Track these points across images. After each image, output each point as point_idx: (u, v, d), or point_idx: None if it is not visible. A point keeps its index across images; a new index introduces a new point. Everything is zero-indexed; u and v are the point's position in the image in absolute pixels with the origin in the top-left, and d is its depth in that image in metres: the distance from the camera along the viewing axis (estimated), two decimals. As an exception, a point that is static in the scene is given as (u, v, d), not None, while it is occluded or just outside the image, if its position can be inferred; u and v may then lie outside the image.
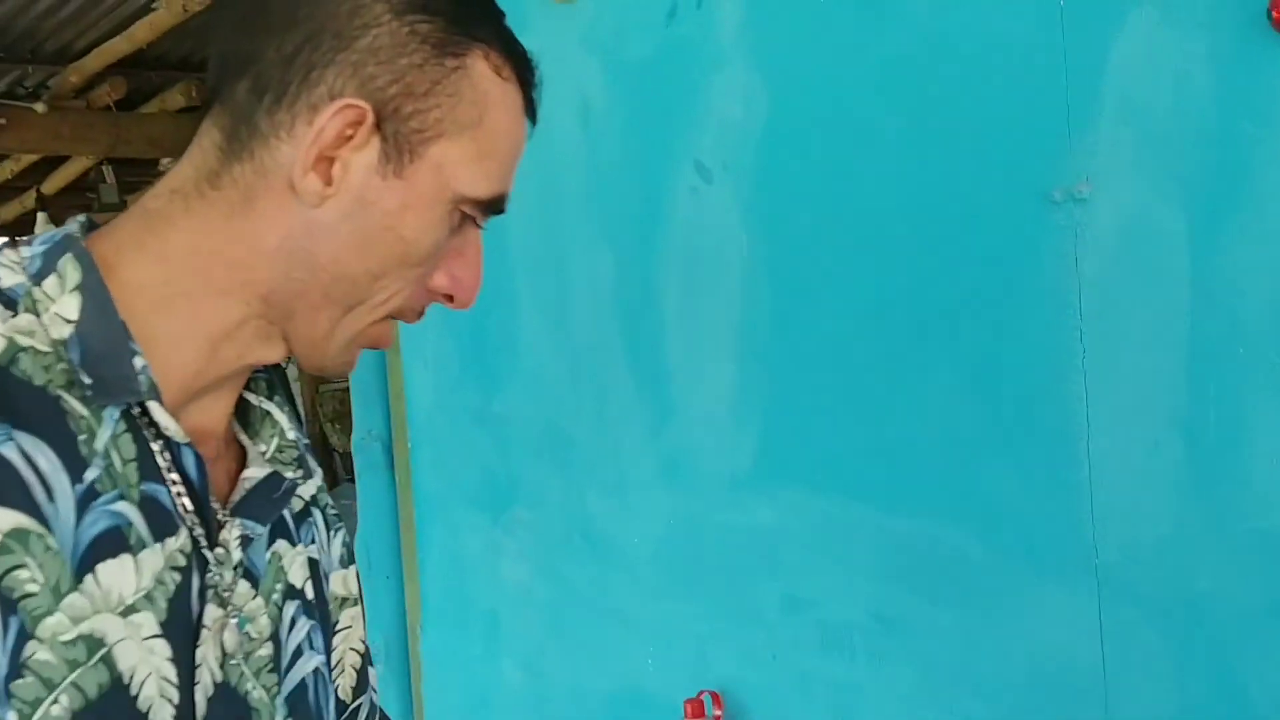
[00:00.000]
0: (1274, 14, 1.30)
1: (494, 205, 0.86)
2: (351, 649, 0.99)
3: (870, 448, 1.74)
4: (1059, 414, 1.54)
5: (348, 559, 1.01)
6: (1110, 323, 1.49)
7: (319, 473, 0.95)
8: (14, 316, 0.74)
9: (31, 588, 0.70)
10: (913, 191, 1.65)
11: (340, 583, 0.99)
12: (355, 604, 1.00)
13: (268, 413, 0.91)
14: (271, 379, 0.93)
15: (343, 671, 0.98)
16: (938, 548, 1.67)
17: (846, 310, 1.74)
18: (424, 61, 0.79)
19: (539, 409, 2.19)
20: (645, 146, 1.98)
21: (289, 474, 0.89)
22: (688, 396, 1.95)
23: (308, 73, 0.78)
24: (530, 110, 0.87)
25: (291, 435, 0.91)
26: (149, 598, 0.75)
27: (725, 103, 1.85)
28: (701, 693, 1.91)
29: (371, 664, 1.03)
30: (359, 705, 1.01)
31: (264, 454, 0.89)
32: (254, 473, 0.87)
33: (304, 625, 0.90)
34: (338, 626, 0.97)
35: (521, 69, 0.85)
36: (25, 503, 0.71)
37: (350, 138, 0.78)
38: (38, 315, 0.75)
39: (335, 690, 0.96)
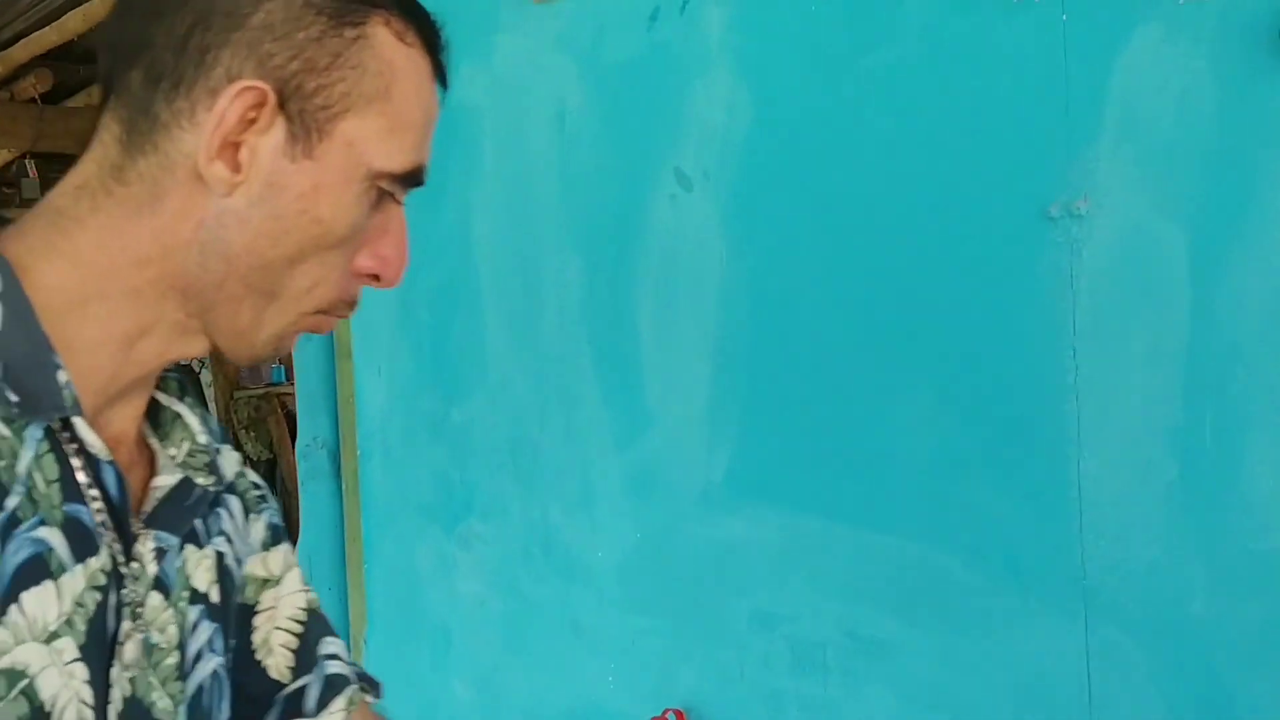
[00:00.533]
0: (1286, 33, 1.29)
1: (412, 178, 0.81)
2: (278, 628, 0.96)
3: (850, 462, 1.71)
4: (1049, 431, 1.52)
5: (272, 540, 0.97)
6: (1105, 340, 1.48)
7: (236, 455, 0.93)
8: None
9: None
10: (903, 203, 1.63)
11: (260, 564, 0.96)
12: (278, 584, 0.96)
13: (178, 415, 0.87)
14: (182, 380, 0.89)
15: (270, 652, 0.95)
16: (918, 565, 1.65)
17: (829, 323, 1.71)
18: (322, 34, 0.76)
19: (502, 419, 2.13)
20: (623, 152, 1.94)
21: (200, 480, 0.86)
22: (660, 408, 1.91)
23: (202, 55, 0.74)
24: (440, 75, 0.84)
25: (203, 439, 0.88)
26: (69, 622, 0.73)
27: (708, 109, 1.82)
28: (666, 711, 1.87)
29: (334, 635, 0.99)
30: (305, 684, 0.96)
31: (174, 458, 0.86)
32: (165, 480, 0.83)
33: (206, 629, 0.87)
34: (258, 609, 0.95)
35: (426, 32, 0.82)
36: None
37: (254, 120, 0.75)
38: None
39: (267, 671, 0.95)
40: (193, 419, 0.88)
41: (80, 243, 0.76)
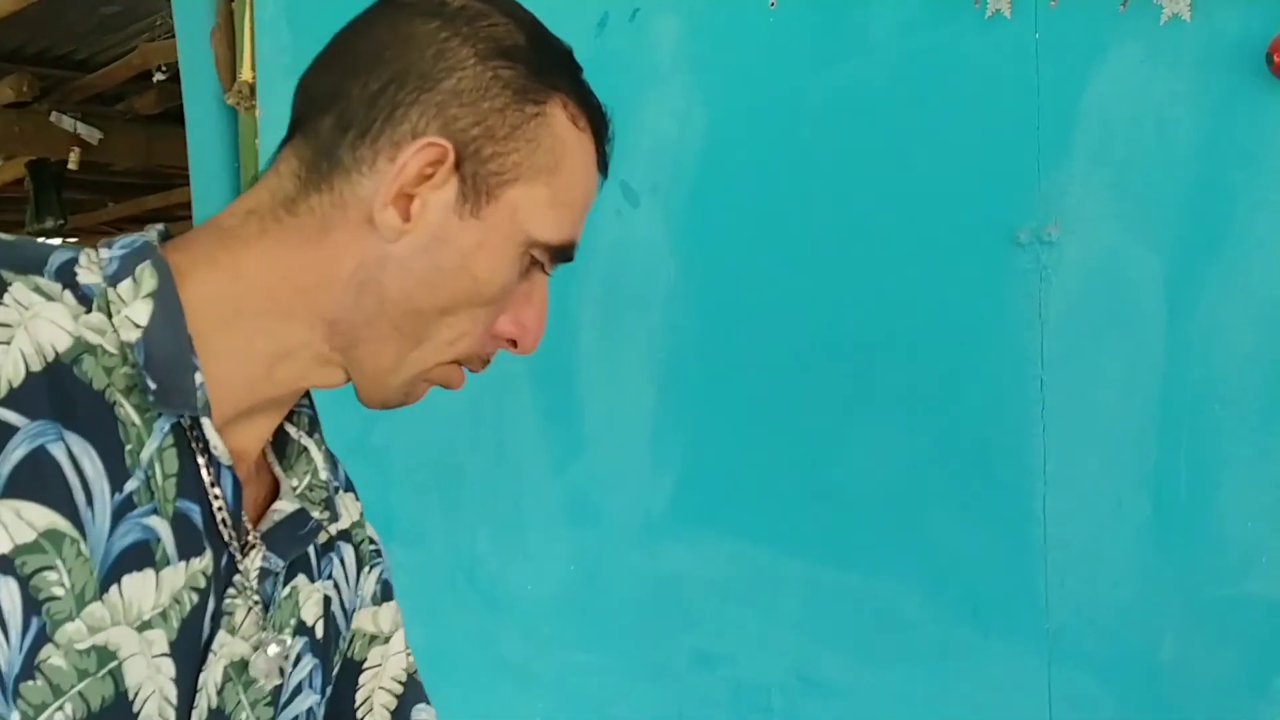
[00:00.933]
0: (1275, 58, 1.25)
1: (564, 252, 0.86)
2: (381, 688, 1.00)
3: (802, 492, 1.63)
4: (1014, 465, 1.46)
5: (383, 596, 1.02)
6: (1074, 371, 1.42)
7: (358, 505, 0.99)
8: (87, 314, 0.74)
9: (57, 591, 0.70)
10: (864, 225, 1.56)
11: (370, 619, 1.00)
12: (386, 642, 1.01)
13: (305, 449, 0.91)
14: (314, 415, 0.93)
15: (371, 710, 0.99)
16: (872, 603, 1.57)
17: (783, 347, 1.64)
18: (505, 106, 0.81)
19: (427, 441, 2.02)
20: (566, 162, 1.84)
21: (316, 514, 0.89)
22: (600, 430, 1.82)
23: (392, 111, 0.80)
24: (602, 163, 0.89)
25: (324, 475, 0.91)
26: (164, 615, 0.76)
27: (658, 120, 1.73)
28: (599, 753, 1.77)
29: (427, 702, 1.03)
30: None
31: (295, 488, 0.89)
32: (284, 506, 0.86)
33: (308, 663, 0.90)
34: (365, 665, 0.99)
35: (596, 121, 0.87)
36: (65, 504, 0.71)
37: (430, 176, 0.80)
38: (109, 316, 0.75)
39: None
40: (318, 455, 0.91)
41: (243, 259, 0.80)
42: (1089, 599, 1.42)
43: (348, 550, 0.97)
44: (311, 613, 0.90)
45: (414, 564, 2.03)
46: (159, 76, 3.53)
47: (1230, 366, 1.33)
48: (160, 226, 0.83)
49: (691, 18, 1.70)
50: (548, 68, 0.84)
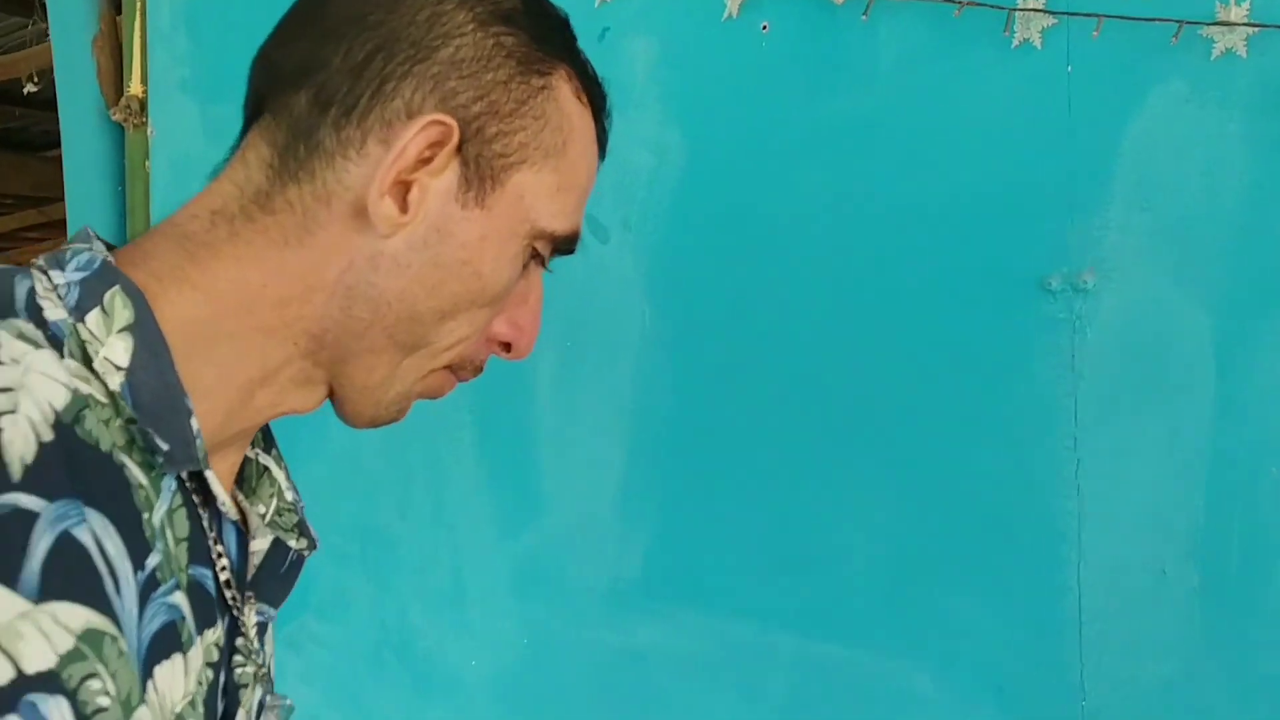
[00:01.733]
0: (1348, 98, 1.17)
1: (568, 242, 0.78)
2: None
3: (793, 562, 1.48)
4: (1044, 532, 1.34)
5: None
6: (1112, 431, 1.31)
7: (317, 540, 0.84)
8: (62, 359, 0.62)
9: (104, 701, 0.60)
10: (868, 267, 1.43)
11: None
12: None
13: (265, 468, 0.80)
14: (269, 429, 0.82)
15: None
16: (876, 682, 1.44)
17: (773, 401, 1.49)
18: (510, 78, 0.72)
19: (347, 500, 1.80)
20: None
21: (292, 543, 0.77)
22: (557, 492, 1.64)
23: (381, 84, 0.70)
24: (602, 143, 0.80)
25: (290, 496, 0.81)
26: (192, 704, 0.67)
27: (629, 150, 1.57)
28: None
29: None
30: None
31: (264, 517, 0.78)
32: (260, 544, 0.74)
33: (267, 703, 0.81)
34: None
35: (596, 95, 0.78)
36: (98, 598, 0.60)
37: (428, 160, 0.70)
38: (88, 359, 0.63)
39: None
40: (279, 473, 0.81)
41: (216, 274, 0.69)
42: (1129, 677, 1.31)
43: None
44: (269, 649, 0.81)
45: (334, 639, 1.81)
46: (30, 88, 3.21)
47: (1288, 427, 1.24)
48: (96, 239, 0.69)
49: (668, 39, 1.55)
50: (549, 35, 0.75)
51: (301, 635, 1.86)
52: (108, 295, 0.65)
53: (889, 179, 1.42)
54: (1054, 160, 1.33)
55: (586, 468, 1.61)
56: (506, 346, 0.79)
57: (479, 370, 0.79)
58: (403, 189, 0.70)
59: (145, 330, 0.65)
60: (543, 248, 0.76)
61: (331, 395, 0.76)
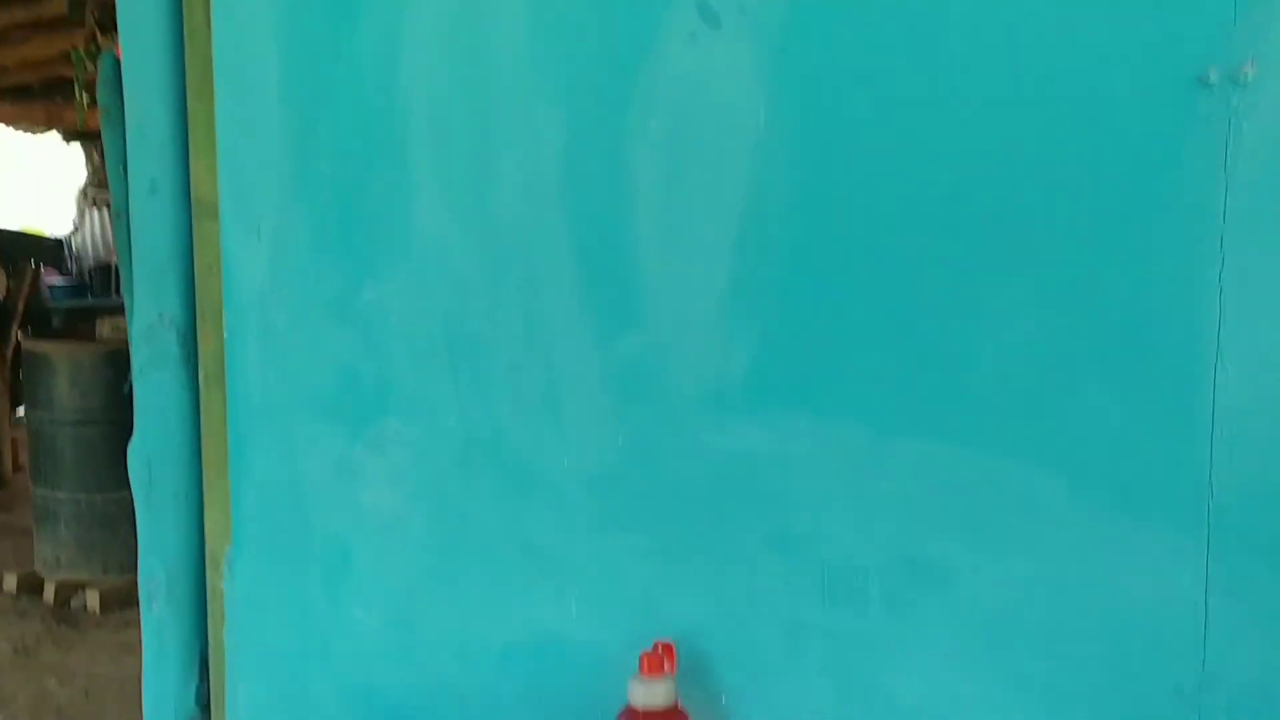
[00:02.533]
0: None
1: None
2: None
3: (912, 364, 1.46)
4: (1182, 330, 1.32)
5: None
6: (1263, 230, 1.28)
7: None
8: None
9: None
10: (1007, 56, 1.37)
11: None
12: None
13: None
14: None
15: None
16: (996, 484, 1.43)
17: (897, 192, 1.45)
18: None
19: (434, 301, 1.76)
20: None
21: None
22: (658, 298, 1.60)
23: None
24: None
25: None
26: None
27: (744, -70, 1.49)
28: (656, 644, 1.60)
29: None
30: None
31: None
32: None
33: None
34: None
35: None
36: None
37: None
38: None
39: None
40: None
41: None
42: (1261, 475, 1.31)
43: None
44: None
45: (418, 439, 1.80)
46: None
47: None
48: None
49: None
50: None
51: (382, 438, 1.84)
52: None
53: (1033, -36, 1.34)
54: (1217, -57, 1.26)
55: (689, 275, 1.57)
56: None
57: None
58: None
59: None
60: None
61: None
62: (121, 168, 2.01)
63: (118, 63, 2.01)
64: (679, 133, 1.55)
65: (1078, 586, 1.40)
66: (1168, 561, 1.35)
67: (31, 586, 5.97)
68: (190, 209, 1.97)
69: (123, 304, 2.12)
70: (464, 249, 1.72)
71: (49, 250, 9.95)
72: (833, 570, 1.54)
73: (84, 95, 6.27)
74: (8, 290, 7.52)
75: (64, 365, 5.85)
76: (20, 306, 7.75)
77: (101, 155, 2.22)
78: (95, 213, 11.88)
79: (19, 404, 7.35)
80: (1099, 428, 1.37)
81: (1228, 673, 1.34)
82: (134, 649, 2.23)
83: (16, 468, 7.80)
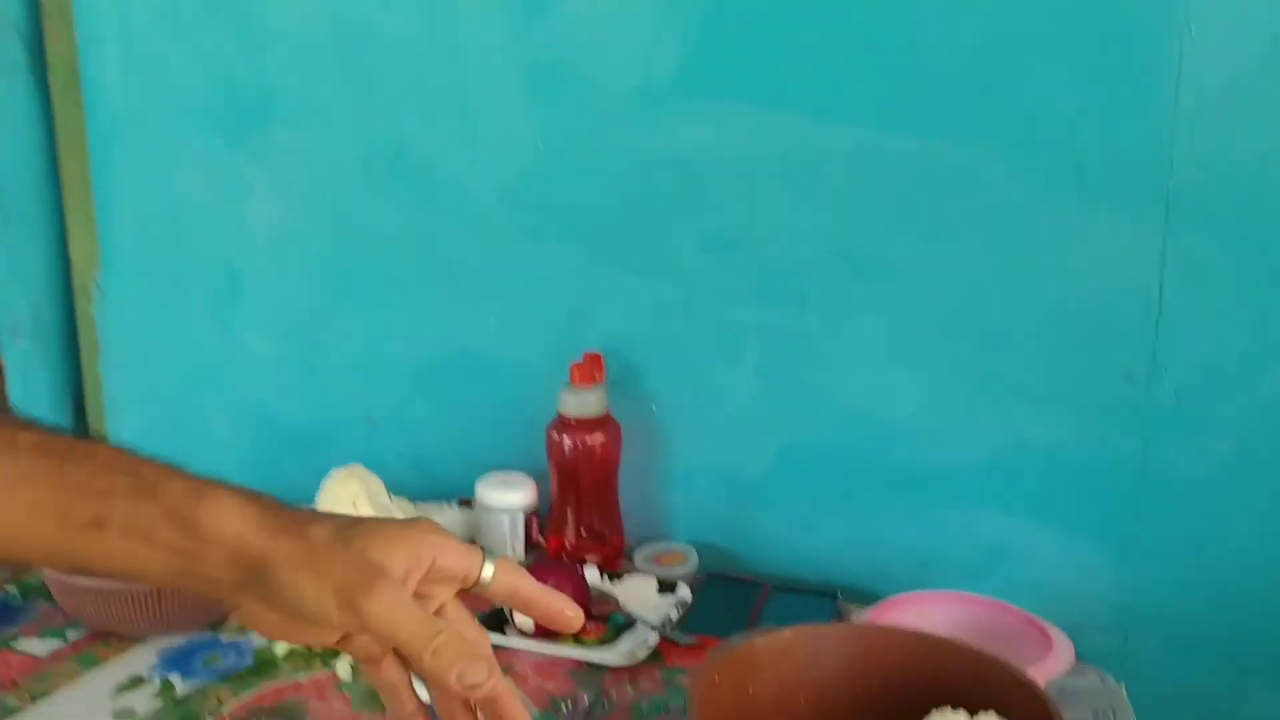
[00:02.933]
0: None
1: None
2: None
3: (851, 48, 1.37)
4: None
5: None
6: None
7: None
8: None
9: None
10: None
11: None
12: None
13: None
14: None
15: None
16: (943, 170, 1.37)
17: None
18: None
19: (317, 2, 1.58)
20: None
21: None
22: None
23: None
24: None
25: None
26: None
27: None
28: (585, 354, 1.54)
29: None
30: None
31: None
32: None
33: None
34: None
35: None
36: None
37: None
38: None
39: None
40: None
41: None
42: (1222, 152, 1.27)
43: None
44: None
45: (310, 148, 1.65)
46: None
47: None
48: None
49: None
50: None
51: (269, 147, 1.68)
52: None
53: None
54: None
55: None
56: None
57: None
58: None
59: None
60: None
61: None
62: None
63: None
64: None
65: (1026, 275, 1.37)
66: (1123, 244, 1.33)
67: None
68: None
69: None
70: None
71: None
72: (770, 271, 1.48)
73: None
74: None
75: None
76: None
77: None
78: None
79: None
80: (1052, 105, 1.31)
81: (1179, 356, 1.34)
82: None
83: None
